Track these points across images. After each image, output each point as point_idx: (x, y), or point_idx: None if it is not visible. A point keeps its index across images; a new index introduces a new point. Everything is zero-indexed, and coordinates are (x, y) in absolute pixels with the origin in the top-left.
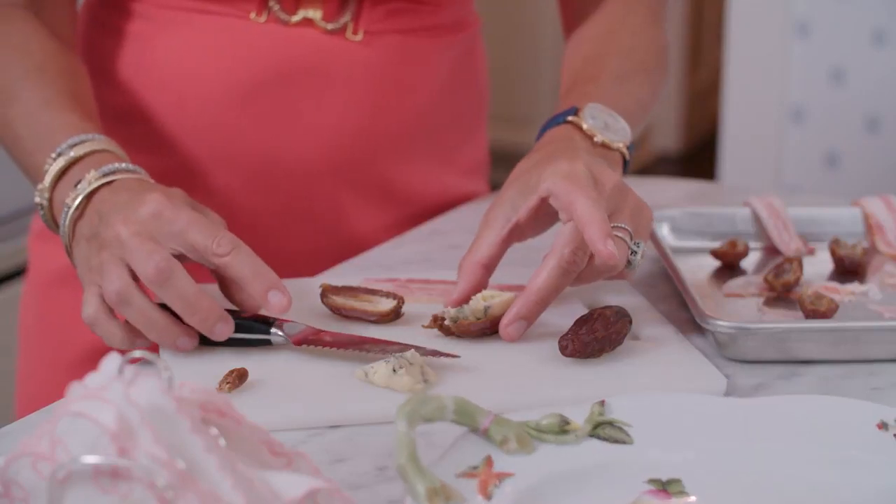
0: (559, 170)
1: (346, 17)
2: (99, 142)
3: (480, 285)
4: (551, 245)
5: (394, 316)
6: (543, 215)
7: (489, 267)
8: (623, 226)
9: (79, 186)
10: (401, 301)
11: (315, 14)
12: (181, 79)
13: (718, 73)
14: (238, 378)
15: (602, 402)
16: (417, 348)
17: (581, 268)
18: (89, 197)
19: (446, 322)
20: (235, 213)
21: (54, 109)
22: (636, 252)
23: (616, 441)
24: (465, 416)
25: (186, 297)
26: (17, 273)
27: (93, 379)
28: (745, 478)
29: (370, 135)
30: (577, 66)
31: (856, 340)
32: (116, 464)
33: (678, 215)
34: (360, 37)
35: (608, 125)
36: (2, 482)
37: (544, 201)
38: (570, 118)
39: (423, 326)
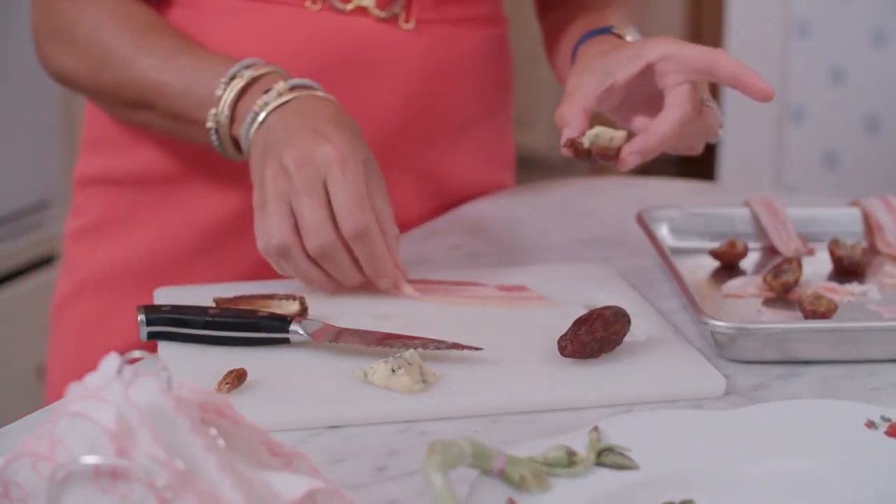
0: (668, 40)
1: (398, 6)
2: (269, 66)
3: (586, 127)
4: (665, 104)
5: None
6: (636, 85)
7: (589, 113)
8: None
9: (267, 95)
10: (303, 300)
11: (369, 1)
12: None
13: None
14: (237, 378)
15: (596, 429)
16: (439, 342)
17: (692, 124)
18: (277, 107)
19: (586, 145)
20: None
21: (194, 53)
22: (722, 125)
23: (622, 468)
24: (481, 459)
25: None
26: (17, 273)
27: (92, 379)
28: (750, 487)
29: (417, 123)
30: (580, 23)
31: (855, 341)
32: (116, 464)
33: (677, 216)
34: (411, 25)
35: None
36: (1, 482)
37: (649, 67)
38: (614, 30)
39: (563, 147)
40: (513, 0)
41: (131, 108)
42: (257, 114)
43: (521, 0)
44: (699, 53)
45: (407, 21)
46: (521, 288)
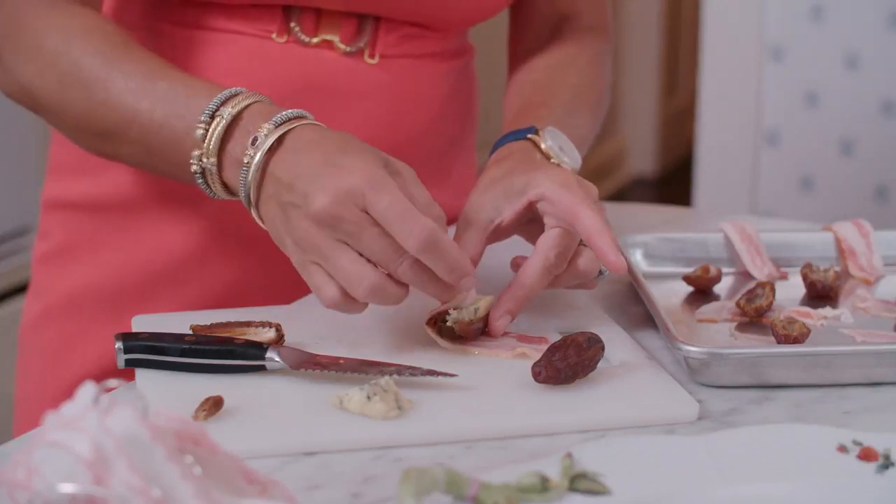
0: (552, 176)
1: (363, 42)
2: (247, 95)
3: (482, 248)
4: (534, 246)
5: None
6: (526, 219)
7: (473, 265)
8: None
9: (254, 147)
10: (279, 327)
11: (334, 37)
12: None
13: (695, 96)
14: (214, 405)
15: (569, 455)
16: (414, 369)
17: (560, 271)
18: (270, 153)
19: (448, 324)
20: (248, 227)
21: (172, 77)
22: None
23: (595, 493)
24: (454, 486)
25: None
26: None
27: (69, 408)
28: None
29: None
30: (528, 91)
31: (828, 365)
32: (92, 492)
33: (651, 241)
34: (375, 61)
35: (563, 149)
36: None
37: (532, 204)
38: (530, 136)
39: (427, 326)
40: (482, 27)
41: (101, 136)
42: (250, 165)
43: (491, 27)
44: (567, 203)
45: (371, 56)
46: (542, 340)
